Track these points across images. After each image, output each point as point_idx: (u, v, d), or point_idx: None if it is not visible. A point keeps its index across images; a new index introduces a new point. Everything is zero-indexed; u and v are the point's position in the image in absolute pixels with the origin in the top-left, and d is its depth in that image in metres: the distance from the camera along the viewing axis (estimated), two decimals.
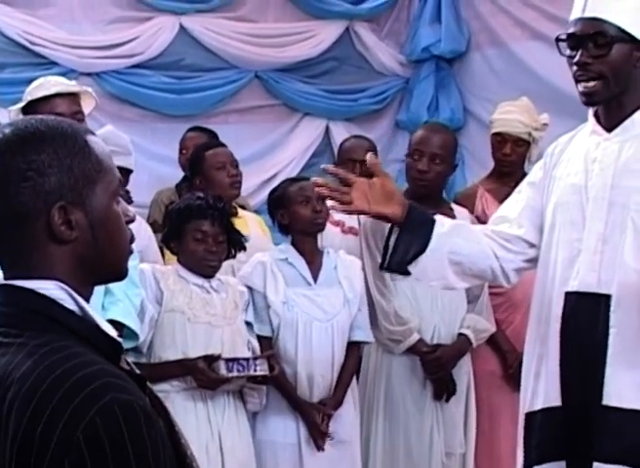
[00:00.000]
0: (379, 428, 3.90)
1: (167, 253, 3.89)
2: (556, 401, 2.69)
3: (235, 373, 3.38)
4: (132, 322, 3.26)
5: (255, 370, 3.41)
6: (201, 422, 3.39)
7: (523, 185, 2.94)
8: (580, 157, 2.74)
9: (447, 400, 3.89)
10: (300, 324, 3.62)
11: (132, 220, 1.50)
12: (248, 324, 3.59)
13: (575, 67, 2.64)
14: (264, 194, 4.77)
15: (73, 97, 3.51)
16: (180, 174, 4.96)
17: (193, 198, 3.56)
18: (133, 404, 1.30)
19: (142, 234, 3.95)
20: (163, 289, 3.44)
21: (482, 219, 4.00)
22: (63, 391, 1.28)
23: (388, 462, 3.89)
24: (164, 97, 5.95)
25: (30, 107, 3.45)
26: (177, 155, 5.07)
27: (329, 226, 3.89)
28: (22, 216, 1.39)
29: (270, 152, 6.23)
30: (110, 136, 4.13)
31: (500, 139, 4.43)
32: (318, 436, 3.60)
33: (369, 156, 2.81)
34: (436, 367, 3.86)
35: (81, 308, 1.41)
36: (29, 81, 3.70)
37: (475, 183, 4.67)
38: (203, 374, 3.36)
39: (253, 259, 3.70)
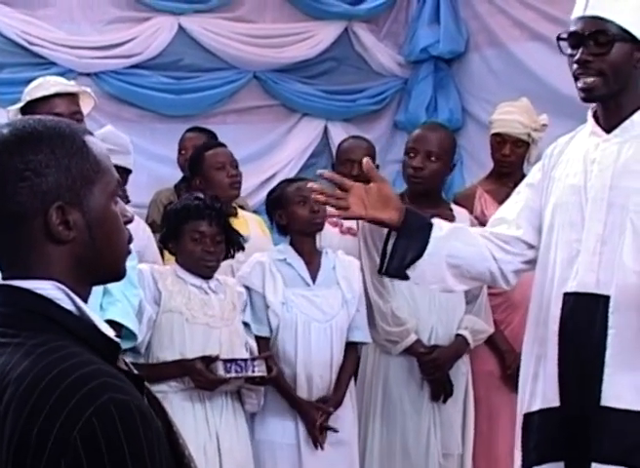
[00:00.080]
0: (376, 429, 3.89)
1: (166, 253, 3.88)
2: (554, 402, 2.69)
3: (233, 374, 3.38)
4: (130, 322, 3.26)
5: (253, 371, 3.41)
6: (199, 423, 3.39)
7: (522, 186, 2.94)
8: (580, 158, 2.74)
9: (444, 401, 3.89)
10: (298, 324, 3.62)
11: (130, 221, 1.50)
12: (246, 324, 3.59)
13: (575, 65, 2.64)
14: (263, 194, 4.77)
15: (72, 97, 3.51)
16: (178, 174, 4.95)
17: (191, 198, 3.56)
18: (129, 404, 1.29)
19: (141, 234, 3.94)
20: (161, 289, 3.44)
21: (481, 220, 3.99)
22: (60, 391, 1.28)
23: (386, 463, 3.89)
24: (162, 98, 5.94)
25: (29, 107, 3.44)
26: (175, 155, 5.06)
27: (327, 227, 3.89)
28: (20, 216, 1.39)
29: (269, 152, 6.22)
30: (110, 135, 4.12)
31: (499, 140, 4.42)
32: (318, 433, 3.60)
33: (365, 161, 2.80)
34: (433, 368, 3.85)
35: (78, 308, 1.41)
36: (28, 81, 3.69)
37: (474, 184, 4.66)
38: (201, 375, 3.36)
39: (251, 260, 3.70)
